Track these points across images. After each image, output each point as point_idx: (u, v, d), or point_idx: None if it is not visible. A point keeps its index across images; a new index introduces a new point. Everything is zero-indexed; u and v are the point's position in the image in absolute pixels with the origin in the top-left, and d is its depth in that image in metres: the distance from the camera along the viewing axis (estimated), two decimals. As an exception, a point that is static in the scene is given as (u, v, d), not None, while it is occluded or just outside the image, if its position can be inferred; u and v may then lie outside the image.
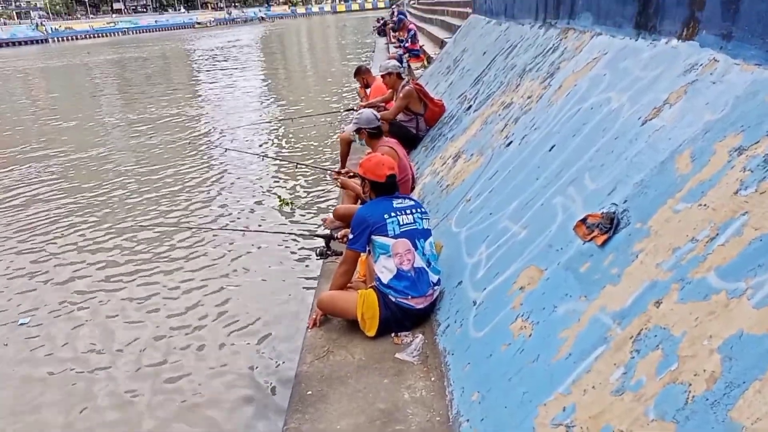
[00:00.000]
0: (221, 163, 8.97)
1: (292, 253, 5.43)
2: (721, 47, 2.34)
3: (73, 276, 5.27)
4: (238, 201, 7.06)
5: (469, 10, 11.27)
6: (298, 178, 7.82)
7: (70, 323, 4.46)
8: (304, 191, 7.29)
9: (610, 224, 2.18)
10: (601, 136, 2.78)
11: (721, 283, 1.56)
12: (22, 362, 4.00)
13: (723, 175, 1.83)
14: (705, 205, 1.81)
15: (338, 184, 5.45)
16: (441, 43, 12.40)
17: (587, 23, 4.00)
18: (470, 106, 5.60)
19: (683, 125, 2.23)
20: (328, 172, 7.19)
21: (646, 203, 2.10)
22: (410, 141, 6.20)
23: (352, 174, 5.18)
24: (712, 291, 1.57)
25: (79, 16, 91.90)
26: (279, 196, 6.73)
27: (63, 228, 6.49)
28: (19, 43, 60.12)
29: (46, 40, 63.33)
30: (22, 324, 4.47)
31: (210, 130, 11.38)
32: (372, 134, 4.72)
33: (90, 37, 67.24)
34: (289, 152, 9.40)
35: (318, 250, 3.78)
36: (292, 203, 6.65)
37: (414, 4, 37.86)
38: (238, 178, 8.04)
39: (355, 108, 7.30)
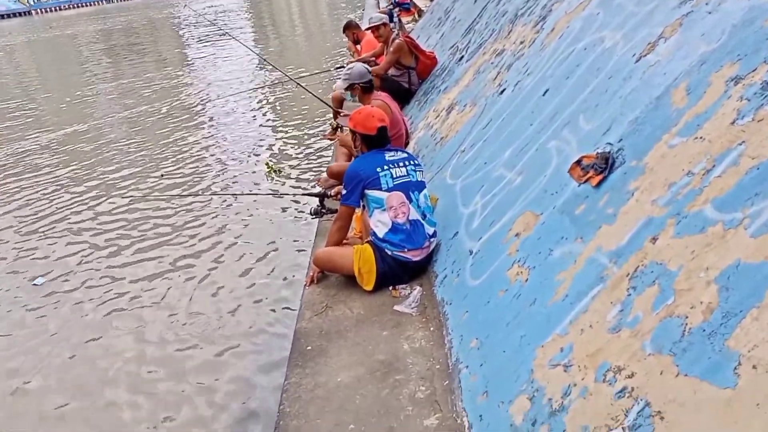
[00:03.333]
0: (210, 132, 8.78)
1: (286, 213, 5.39)
2: (718, -25, 2.25)
3: (68, 249, 5.24)
4: (230, 168, 6.93)
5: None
6: (289, 142, 7.71)
7: (69, 294, 4.46)
8: (296, 153, 7.19)
9: (605, 164, 2.13)
10: (594, 76, 2.70)
11: (717, 214, 1.53)
12: None
13: (719, 106, 1.77)
14: (701, 137, 1.76)
15: (335, 141, 5.37)
16: (432, -5, 12.07)
17: (579, -39, 3.85)
18: (462, 57, 5.48)
19: (678, 58, 2.16)
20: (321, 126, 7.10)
21: (642, 140, 2.05)
22: (403, 95, 6.10)
23: (341, 126, 5.08)
24: (708, 223, 1.54)
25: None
26: (267, 164, 6.65)
27: (56, 201, 6.42)
28: (1, 17, 58.68)
29: (29, 12, 61.85)
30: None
31: (199, 100, 11.06)
32: (364, 89, 4.62)
33: (74, 7, 65.63)
34: (280, 116, 9.24)
35: (312, 208, 3.76)
36: (279, 170, 6.57)
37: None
38: (229, 146, 7.88)
39: (345, 65, 7.14)
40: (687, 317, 1.42)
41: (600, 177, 2.13)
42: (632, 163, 2.02)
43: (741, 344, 1.23)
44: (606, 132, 2.31)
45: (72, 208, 6.19)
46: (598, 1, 3.21)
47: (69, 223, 5.82)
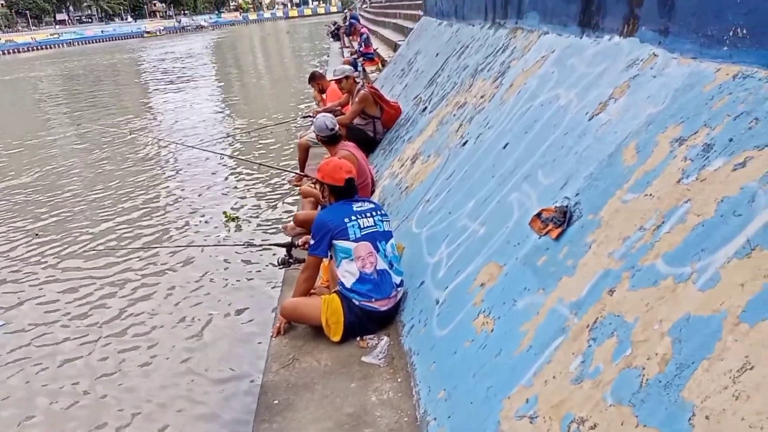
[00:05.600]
0: (172, 182, 8.61)
1: (253, 263, 5.36)
2: (660, 42, 2.44)
3: (23, 299, 5.07)
4: (194, 218, 6.86)
5: (420, 12, 11.38)
6: (253, 189, 7.70)
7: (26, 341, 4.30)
8: (261, 202, 7.19)
9: (564, 217, 2.24)
10: (551, 132, 2.85)
11: (668, 268, 1.62)
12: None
13: (666, 165, 1.90)
14: (651, 194, 1.88)
15: (298, 190, 5.42)
16: (394, 46, 12.49)
17: (534, 22, 4.10)
18: (425, 108, 5.66)
19: (627, 118, 2.31)
20: (286, 173, 7.14)
21: (597, 195, 2.17)
22: (368, 144, 6.22)
23: (311, 180, 5.16)
24: (660, 277, 1.63)
25: (20, 28, 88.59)
26: (224, 213, 6.61)
27: (11, 252, 6.22)
28: (-44, 59, 57.47)
29: (-16, 53, 60.78)
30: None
31: (158, 148, 10.82)
32: (331, 139, 4.72)
33: (33, 50, 64.82)
34: (243, 164, 9.09)
35: (279, 258, 3.75)
36: (237, 218, 6.54)
37: (366, 7, 38.01)
38: (192, 196, 7.77)
39: (311, 114, 7.27)
40: (644, 368, 1.48)
41: (559, 230, 2.22)
42: (589, 217, 2.13)
43: (694, 395, 1.30)
44: (563, 186, 2.43)
45: (28, 259, 6.00)
46: (552, 61, 3.41)
47: (24, 273, 5.64)
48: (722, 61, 2.00)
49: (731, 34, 1.97)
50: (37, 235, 6.58)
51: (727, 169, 1.65)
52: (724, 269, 1.45)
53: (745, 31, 1.91)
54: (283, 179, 7.72)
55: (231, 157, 9.24)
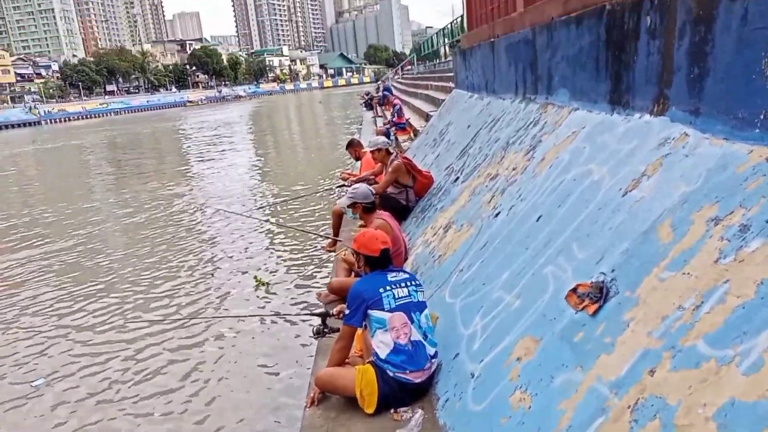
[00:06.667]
0: (210, 251, 8.71)
1: (288, 332, 5.38)
2: (691, 122, 2.50)
3: (63, 371, 5.15)
4: (231, 287, 6.93)
5: (451, 84, 11.77)
6: (287, 254, 7.82)
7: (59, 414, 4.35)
8: (295, 266, 7.29)
9: (600, 293, 2.24)
10: (585, 206, 2.89)
11: (710, 350, 1.61)
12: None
13: (703, 244, 1.92)
14: (688, 273, 1.89)
15: (335, 255, 5.52)
16: (426, 117, 12.85)
17: (564, 99, 4.22)
18: (458, 178, 5.78)
19: (661, 196, 2.35)
20: (321, 240, 7.25)
21: (633, 272, 2.18)
22: (401, 212, 6.33)
23: (346, 248, 5.25)
24: (702, 359, 1.62)
25: (72, 98, 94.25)
26: (255, 277, 6.70)
27: (48, 319, 6.37)
28: (12, 126, 61.18)
29: (39, 123, 64.58)
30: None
31: (198, 218, 11.06)
32: (367, 209, 4.86)
33: (82, 118, 68.68)
34: (278, 233, 9.29)
35: (315, 328, 3.79)
36: (268, 283, 6.63)
37: (398, 78, 39.38)
38: (225, 268, 7.82)
39: (346, 184, 7.49)
40: (690, 454, 1.46)
41: (596, 306, 2.23)
42: (626, 294, 2.13)
43: (744, 485, 1.27)
44: (599, 261, 2.44)
45: (68, 323, 6.14)
46: (584, 137, 3.49)
47: (61, 337, 5.76)
48: (754, 143, 2.05)
49: (762, 117, 2.02)
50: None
51: (765, 251, 1.66)
52: (767, 353, 1.44)
53: (775, 115, 1.96)
54: (316, 245, 7.84)
55: (267, 221, 9.43)
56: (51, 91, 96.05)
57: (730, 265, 1.74)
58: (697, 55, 2.43)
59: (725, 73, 2.25)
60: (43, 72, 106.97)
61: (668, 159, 2.49)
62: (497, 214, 3.97)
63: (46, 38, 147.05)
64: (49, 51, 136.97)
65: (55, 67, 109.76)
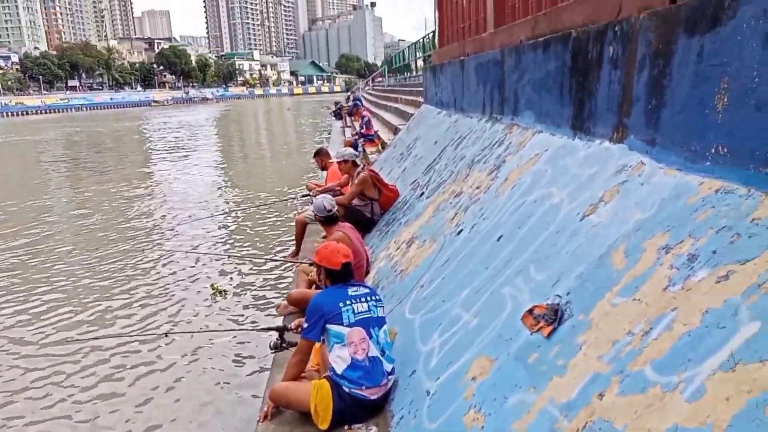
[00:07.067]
0: (165, 261, 8.21)
1: (244, 344, 5.23)
2: (647, 152, 2.59)
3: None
4: (186, 301, 6.58)
5: (421, 98, 11.89)
6: (247, 265, 7.65)
7: None
8: (254, 279, 7.16)
9: (555, 315, 2.28)
10: (544, 228, 2.95)
11: (656, 376, 1.66)
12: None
13: (653, 272, 1.98)
14: (639, 299, 1.95)
15: (296, 267, 5.48)
16: (395, 130, 12.93)
17: (530, 121, 4.31)
18: (423, 193, 5.82)
19: (617, 222, 2.41)
20: (280, 258, 7.20)
21: (587, 296, 2.23)
22: (365, 225, 6.34)
23: (308, 262, 5.21)
24: (648, 384, 1.66)
25: (31, 92, 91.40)
26: (212, 285, 6.55)
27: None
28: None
29: (-5, 115, 62.33)
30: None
31: (154, 224, 10.55)
32: (325, 220, 4.84)
33: (42, 113, 66.58)
34: (240, 243, 9.01)
35: (272, 342, 3.73)
36: (224, 291, 6.50)
37: (368, 89, 39.59)
38: (181, 277, 7.41)
39: (311, 194, 7.45)
40: (634, 479, 1.49)
41: (550, 328, 2.27)
42: (580, 317, 2.18)
43: None
44: (555, 284, 2.49)
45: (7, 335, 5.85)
46: (546, 159, 3.57)
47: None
48: (706, 175, 2.13)
49: (713, 151, 2.10)
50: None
51: (711, 281, 1.72)
52: (709, 381, 1.48)
53: (726, 150, 2.04)
54: (277, 254, 7.76)
55: (223, 254, 8.79)
56: (9, 83, 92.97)
57: (678, 293, 1.80)
58: (656, 87, 2.52)
59: (681, 107, 2.33)
60: (2, 63, 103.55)
61: (625, 186, 2.57)
62: (459, 232, 4.01)
63: (6, 28, 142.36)
64: (9, 42, 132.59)
65: (15, 58, 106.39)
